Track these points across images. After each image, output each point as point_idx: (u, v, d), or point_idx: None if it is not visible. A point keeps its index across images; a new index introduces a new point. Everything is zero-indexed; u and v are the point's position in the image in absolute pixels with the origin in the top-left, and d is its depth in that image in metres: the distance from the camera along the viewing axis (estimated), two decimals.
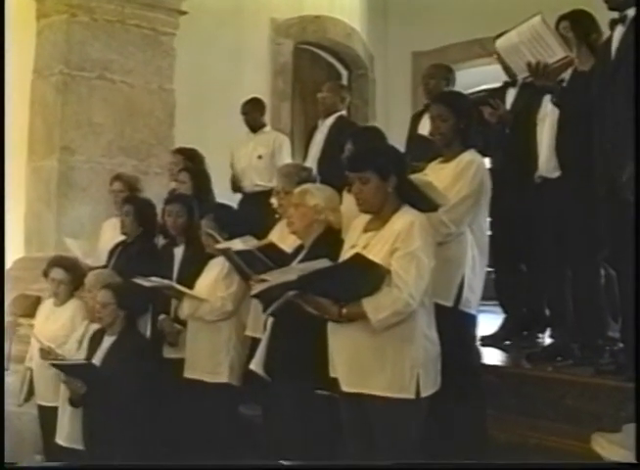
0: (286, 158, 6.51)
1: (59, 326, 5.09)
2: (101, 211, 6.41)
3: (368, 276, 3.24)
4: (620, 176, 3.62)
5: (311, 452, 3.78)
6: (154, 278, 4.57)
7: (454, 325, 3.62)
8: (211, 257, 4.59)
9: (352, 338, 3.32)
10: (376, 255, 3.26)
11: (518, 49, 4.08)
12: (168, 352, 4.80)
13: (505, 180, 4.53)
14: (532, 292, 5.08)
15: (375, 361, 3.29)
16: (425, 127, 4.71)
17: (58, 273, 5.16)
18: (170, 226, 4.99)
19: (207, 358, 4.49)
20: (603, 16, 4.06)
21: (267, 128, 6.81)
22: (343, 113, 6.37)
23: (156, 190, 6.31)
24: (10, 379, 5.30)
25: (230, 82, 7.60)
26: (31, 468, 5.00)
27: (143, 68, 6.91)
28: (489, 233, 4.35)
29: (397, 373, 3.28)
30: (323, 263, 3.26)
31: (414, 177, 3.53)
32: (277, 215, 4.73)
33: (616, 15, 3.83)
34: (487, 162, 4.48)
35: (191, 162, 5.92)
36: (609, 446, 2.96)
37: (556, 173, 4.36)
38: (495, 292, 5.13)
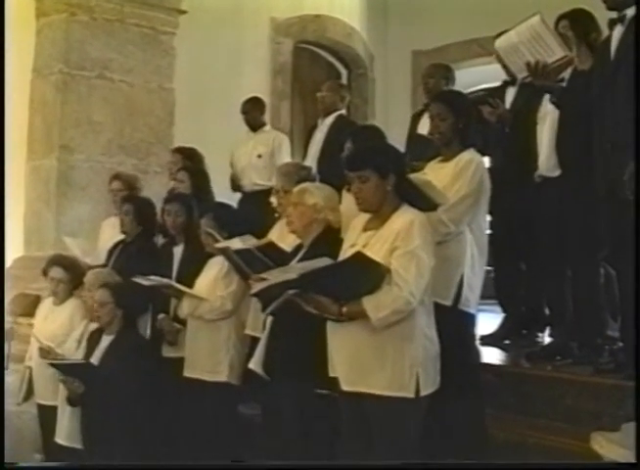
0: (285, 157, 6.51)
1: (58, 325, 5.09)
2: (100, 211, 6.41)
3: (368, 275, 3.24)
4: (620, 176, 3.62)
5: (310, 452, 3.78)
6: (153, 277, 4.57)
7: (453, 324, 3.62)
8: (211, 256, 4.59)
9: (352, 337, 3.33)
10: (375, 254, 3.26)
11: (517, 49, 4.09)
12: (168, 352, 4.80)
13: (505, 179, 4.53)
14: (532, 291, 5.08)
15: (374, 360, 3.30)
16: (425, 127, 4.71)
17: (57, 272, 5.16)
18: (170, 225, 4.99)
19: (207, 357, 4.49)
20: (602, 15, 4.07)
21: (267, 127, 6.81)
22: (343, 112, 6.37)
23: (155, 189, 6.31)
24: (10, 378, 5.30)
25: (230, 81, 7.60)
26: (31, 468, 4.99)
27: (142, 67, 6.92)
28: (489, 232, 4.35)
29: (397, 372, 3.28)
30: (324, 262, 3.26)
31: (413, 176, 3.54)
32: (276, 214, 4.72)
33: (614, 15, 3.83)
34: (487, 161, 4.48)
35: (190, 161, 5.92)
36: (608, 445, 2.96)
37: (556, 172, 4.36)
38: (495, 291, 5.13)
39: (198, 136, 6.57)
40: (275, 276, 3.40)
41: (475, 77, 7.62)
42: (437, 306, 3.49)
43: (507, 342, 4.99)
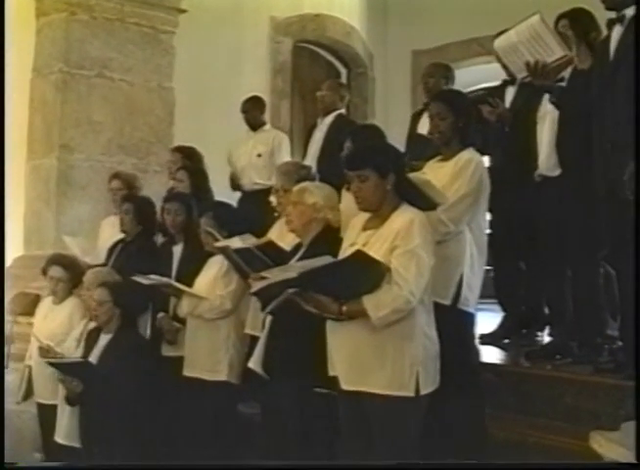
0: (285, 156, 6.51)
1: (57, 324, 5.09)
2: (100, 210, 6.41)
3: (369, 273, 3.24)
4: (620, 176, 3.62)
5: (310, 451, 3.78)
6: (153, 276, 4.58)
7: (453, 323, 3.62)
8: (210, 255, 4.59)
9: (352, 336, 3.32)
10: (375, 253, 3.26)
11: (516, 49, 4.08)
12: (167, 351, 4.80)
13: (504, 179, 4.53)
14: (531, 290, 5.09)
15: (374, 359, 3.30)
16: (424, 126, 4.70)
17: (56, 271, 5.17)
18: (169, 224, 4.99)
19: (206, 356, 4.49)
20: (601, 15, 4.07)
21: (267, 127, 6.81)
22: (343, 111, 6.37)
23: (155, 188, 6.31)
24: (9, 377, 5.30)
25: (229, 80, 7.60)
26: (31, 468, 4.99)
27: (142, 66, 6.92)
28: (488, 231, 4.35)
29: (397, 371, 3.28)
30: (325, 260, 3.26)
31: (413, 176, 3.54)
32: (276, 214, 4.72)
33: (613, 14, 3.83)
34: (486, 160, 4.48)
35: (189, 160, 5.92)
36: (607, 445, 2.97)
37: (556, 172, 4.35)
38: (494, 290, 5.13)
39: (198, 135, 6.57)
40: (275, 275, 3.40)
41: (474, 77, 7.62)
42: (437, 306, 3.49)
43: (507, 341, 4.99)
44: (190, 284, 4.58)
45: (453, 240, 3.74)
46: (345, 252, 3.40)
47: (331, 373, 3.45)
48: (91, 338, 4.77)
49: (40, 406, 5.10)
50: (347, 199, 3.81)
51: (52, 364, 4.65)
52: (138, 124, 6.91)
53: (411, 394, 3.28)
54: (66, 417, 4.70)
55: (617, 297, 4.16)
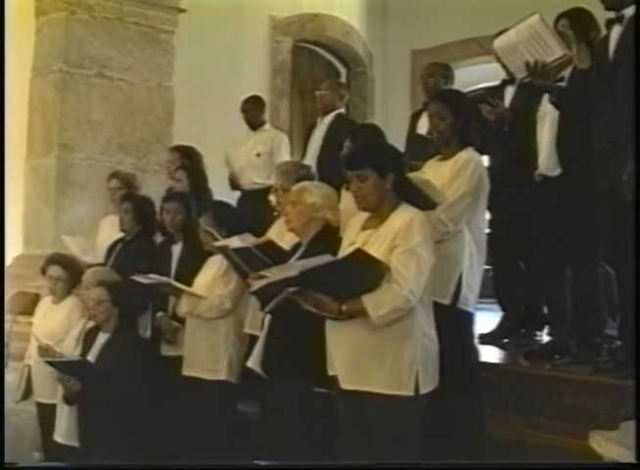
0: (285, 155, 6.51)
1: (56, 323, 5.09)
2: (99, 209, 6.41)
3: (369, 272, 3.24)
4: (620, 176, 3.63)
5: (310, 450, 3.78)
6: (152, 275, 4.58)
7: (452, 323, 3.62)
8: (210, 254, 4.59)
9: (351, 335, 3.33)
10: (375, 252, 3.26)
11: (516, 48, 4.08)
12: (166, 350, 4.81)
13: (504, 178, 4.54)
14: (531, 290, 5.09)
15: (374, 359, 3.30)
16: (424, 126, 4.70)
17: (55, 271, 5.17)
18: (168, 224, 4.99)
19: (206, 356, 4.49)
20: (600, 14, 4.07)
21: (267, 126, 6.80)
22: (342, 110, 6.37)
23: (154, 188, 6.30)
24: (9, 376, 5.30)
25: (229, 80, 7.60)
26: (31, 468, 4.99)
27: (142, 65, 6.91)
28: (488, 231, 4.35)
29: (396, 370, 3.28)
30: (325, 259, 3.25)
31: (412, 175, 3.54)
32: (275, 213, 4.73)
33: (612, 14, 3.83)
34: (486, 160, 4.48)
35: (188, 160, 5.92)
36: (606, 444, 2.97)
37: (556, 171, 4.36)
38: (494, 289, 5.13)
39: (197, 135, 6.57)
40: (275, 274, 3.40)
41: (474, 76, 7.62)
42: (436, 305, 3.49)
43: (506, 340, 4.99)
44: (189, 283, 4.58)
45: (452, 239, 3.74)
46: (345, 251, 3.40)
47: (330, 372, 3.45)
48: (89, 337, 4.77)
49: (40, 406, 5.11)
50: (347, 198, 3.81)
51: (50, 363, 4.65)
52: (137, 124, 6.90)
53: (410, 393, 3.28)
54: (65, 416, 4.70)
55: (617, 296, 4.16)
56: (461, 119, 3.87)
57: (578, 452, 3.39)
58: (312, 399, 3.74)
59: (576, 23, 4.39)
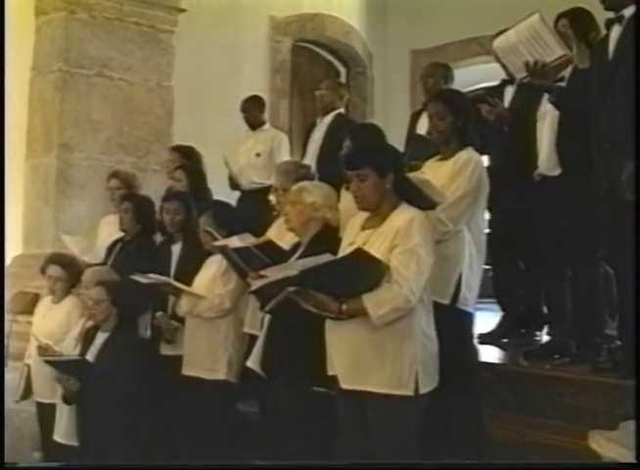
0: (284, 155, 6.52)
1: (55, 323, 5.09)
2: (99, 209, 6.41)
3: (369, 271, 3.24)
4: (620, 176, 3.63)
5: (309, 450, 3.78)
6: (152, 275, 4.58)
7: (452, 323, 3.62)
8: (209, 254, 4.59)
9: (351, 335, 3.33)
10: (375, 252, 3.26)
11: (516, 48, 4.08)
12: (166, 349, 4.81)
13: (504, 178, 4.53)
14: (530, 290, 5.09)
15: (374, 359, 3.30)
16: (424, 126, 4.70)
17: (55, 270, 5.16)
18: (168, 223, 4.99)
19: (205, 355, 4.49)
20: (600, 15, 4.07)
21: (266, 126, 6.81)
22: (342, 110, 6.37)
23: (154, 187, 6.30)
24: (9, 376, 5.29)
25: (228, 80, 7.60)
26: (31, 468, 4.99)
27: (142, 65, 6.92)
28: (488, 231, 4.35)
29: (396, 370, 3.28)
30: (325, 258, 3.25)
31: (412, 175, 3.54)
32: (275, 213, 4.73)
33: (612, 14, 3.83)
34: (485, 159, 4.48)
35: (188, 159, 5.92)
36: (606, 444, 2.97)
37: (556, 171, 4.36)
38: (493, 289, 5.13)
39: (197, 134, 6.58)
40: (274, 273, 3.40)
41: (474, 76, 7.62)
42: (436, 305, 3.49)
43: (505, 340, 4.99)
44: (189, 283, 4.58)
45: (452, 239, 3.74)
46: (345, 251, 3.40)
47: (330, 372, 3.45)
48: (88, 336, 4.77)
49: (39, 405, 5.10)
50: (347, 198, 3.81)
51: (48, 362, 4.65)
52: (137, 123, 6.91)
53: (410, 393, 3.28)
54: (64, 416, 4.70)
55: (616, 296, 4.16)
56: (461, 119, 3.87)
57: (578, 452, 3.39)
58: (312, 398, 3.74)
59: (576, 23, 4.40)
